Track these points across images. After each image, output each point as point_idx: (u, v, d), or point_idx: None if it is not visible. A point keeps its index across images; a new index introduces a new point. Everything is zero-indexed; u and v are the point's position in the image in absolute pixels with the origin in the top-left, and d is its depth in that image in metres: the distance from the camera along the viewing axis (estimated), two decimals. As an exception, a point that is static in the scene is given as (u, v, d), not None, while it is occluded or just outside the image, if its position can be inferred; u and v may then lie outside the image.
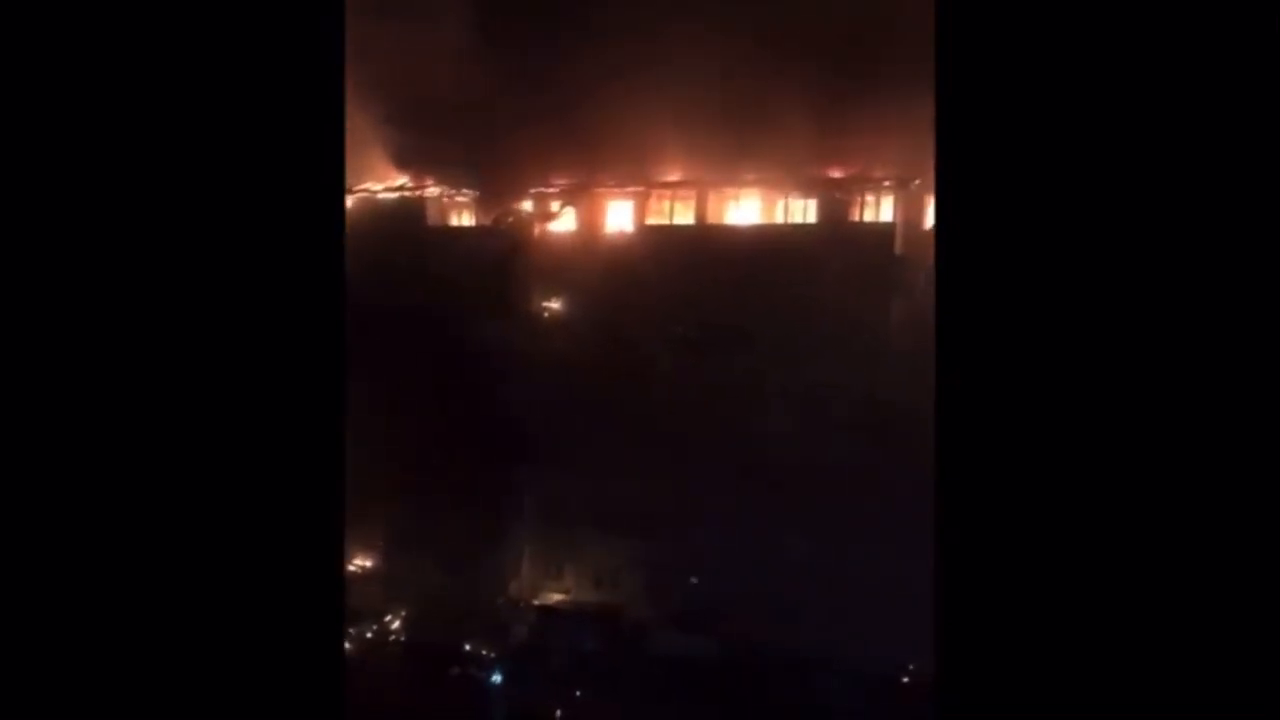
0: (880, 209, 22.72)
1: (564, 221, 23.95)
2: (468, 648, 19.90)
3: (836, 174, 22.58)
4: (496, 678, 18.69)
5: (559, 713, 18.11)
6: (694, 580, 20.27)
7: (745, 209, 23.37)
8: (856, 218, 22.69)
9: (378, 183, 24.49)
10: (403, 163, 24.21)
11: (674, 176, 23.31)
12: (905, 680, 17.08)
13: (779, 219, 23.17)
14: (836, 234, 22.09)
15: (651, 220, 23.93)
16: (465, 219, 24.89)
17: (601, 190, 23.96)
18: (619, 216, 24.20)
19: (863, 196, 22.64)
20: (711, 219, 23.64)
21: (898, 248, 22.35)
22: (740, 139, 22.49)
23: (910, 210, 22.48)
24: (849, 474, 19.55)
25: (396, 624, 21.36)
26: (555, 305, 22.61)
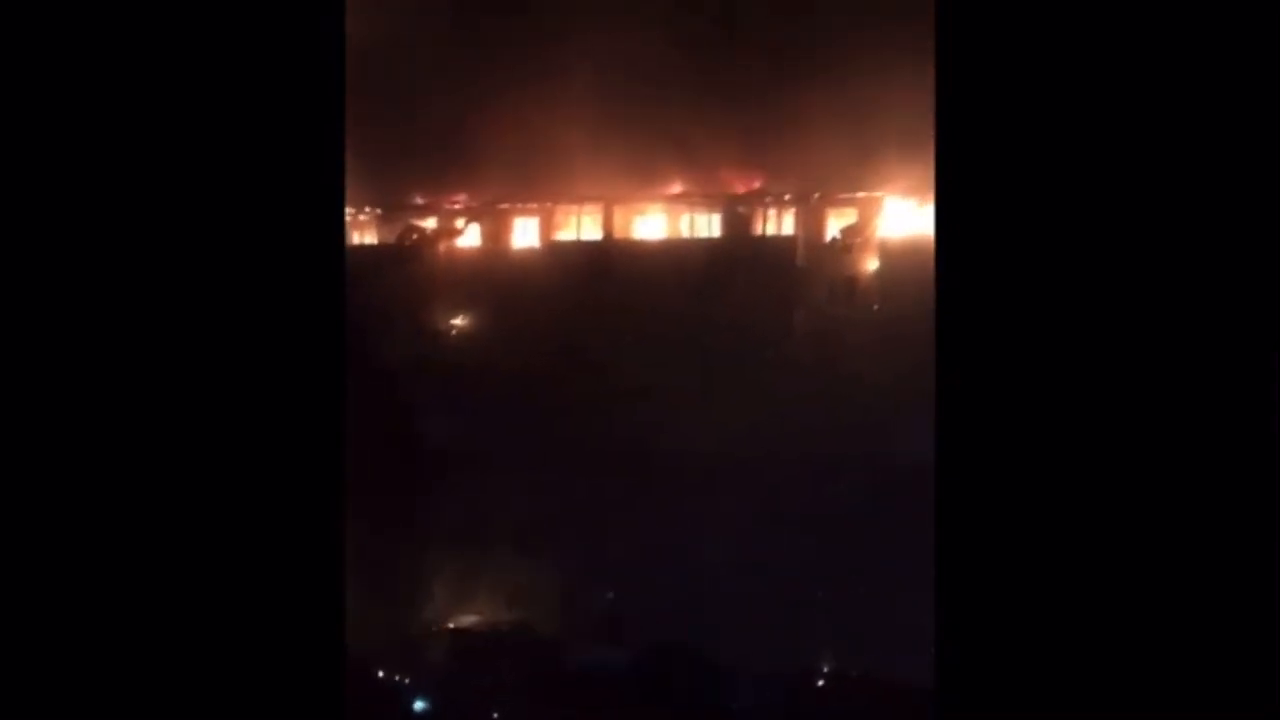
0: (781, 222, 22.61)
1: (469, 238, 23.62)
2: (380, 674, 19.53)
3: (740, 189, 22.44)
4: (419, 704, 18.34)
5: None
6: (609, 595, 20.27)
7: (652, 224, 23.08)
8: (759, 231, 22.59)
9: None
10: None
11: (581, 191, 23.21)
12: (820, 683, 17.37)
13: (684, 233, 22.88)
14: (740, 247, 22.16)
15: (559, 236, 23.81)
16: (368, 238, 24.54)
17: (506, 206, 23.72)
18: (525, 233, 23.78)
19: (765, 211, 22.56)
20: (619, 234, 23.66)
21: (799, 259, 22.35)
22: (646, 153, 22.71)
23: (810, 224, 22.50)
24: (753, 476, 19.92)
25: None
26: (462, 323, 22.34)
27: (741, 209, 22.43)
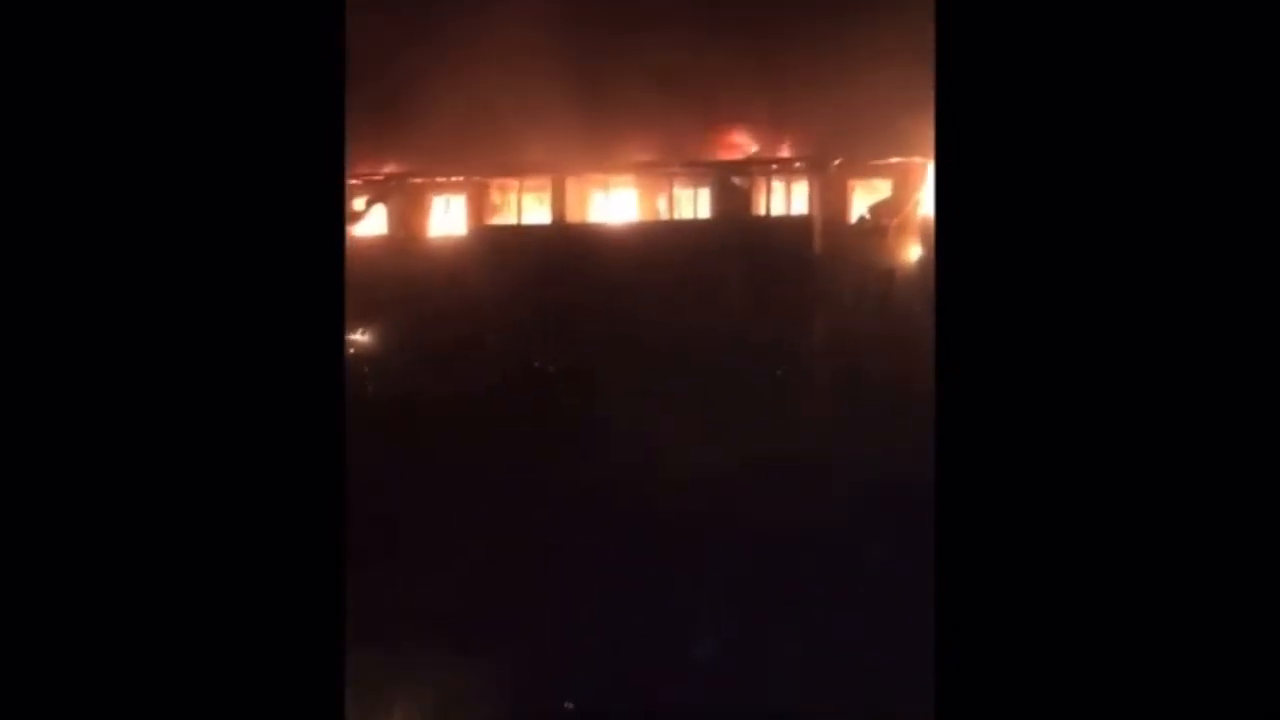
0: (791, 198, 18.70)
1: (372, 223, 18.55)
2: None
3: (734, 155, 18.66)
4: None
5: None
6: (568, 706, 15.41)
7: (617, 202, 19.12)
8: (762, 210, 18.73)
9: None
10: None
11: (522, 162, 18.46)
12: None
13: (662, 214, 18.96)
14: (737, 232, 18.19)
15: (493, 220, 19.34)
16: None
17: (422, 181, 17.72)
18: (448, 216, 18.99)
19: (769, 183, 18.69)
20: (573, 217, 19.20)
21: (815, 246, 18.40)
22: (607, 113, 18.16)
23: (830, 198, 18.50)
24: (760, 539, 15.51)
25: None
26: (363, 338, 16.25)
27: (738, 180, 18.68)
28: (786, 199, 18.72)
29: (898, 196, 18.56)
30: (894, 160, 18.44)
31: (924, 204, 18.58)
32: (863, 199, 18.37)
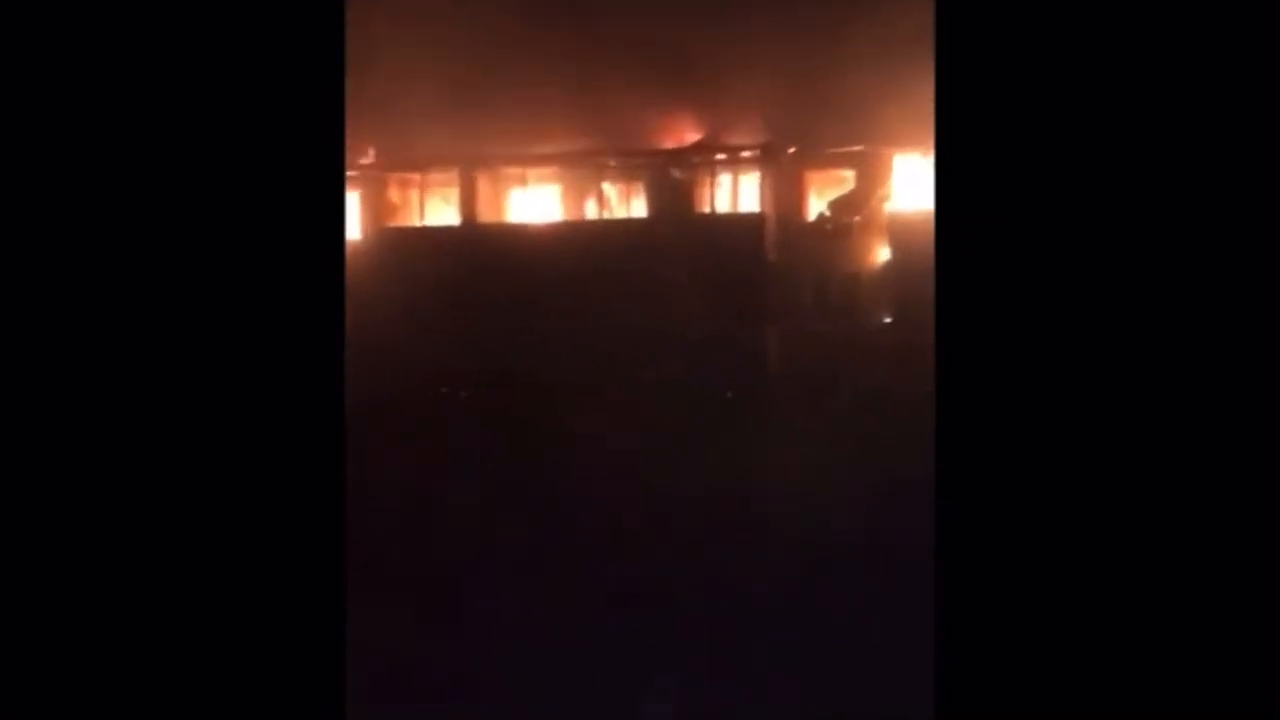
0: (740, 193, 16.84)
1: None
2: None
3: (672, 143, 16.82)
4: None
5: None
6: None
7: (538, 199, 16.92)
8: (706, 207, 16.83)
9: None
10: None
11: (423, 153, 16.42)
12: None
13: (591, 213, 16.94)
14: (678, 231, 16.05)
15: (392, 223, 17.09)
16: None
17: None
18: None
19: (714, 176, 16.77)
20: (487, 216, 16.95)
21: (769, 250, 16.36)
22: (523, 95, 16.02)
23: (784, 193, 16.65)
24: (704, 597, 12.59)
25: None
26: None
27: (678, 173, 16.75)
28: (734, 194, 16.94)
29: (861, 190, 16.66)
30: (856, 149, 16.58)
31: (890, 198, 16.73)
32: (821, 194, 16.91)
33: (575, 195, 17.00)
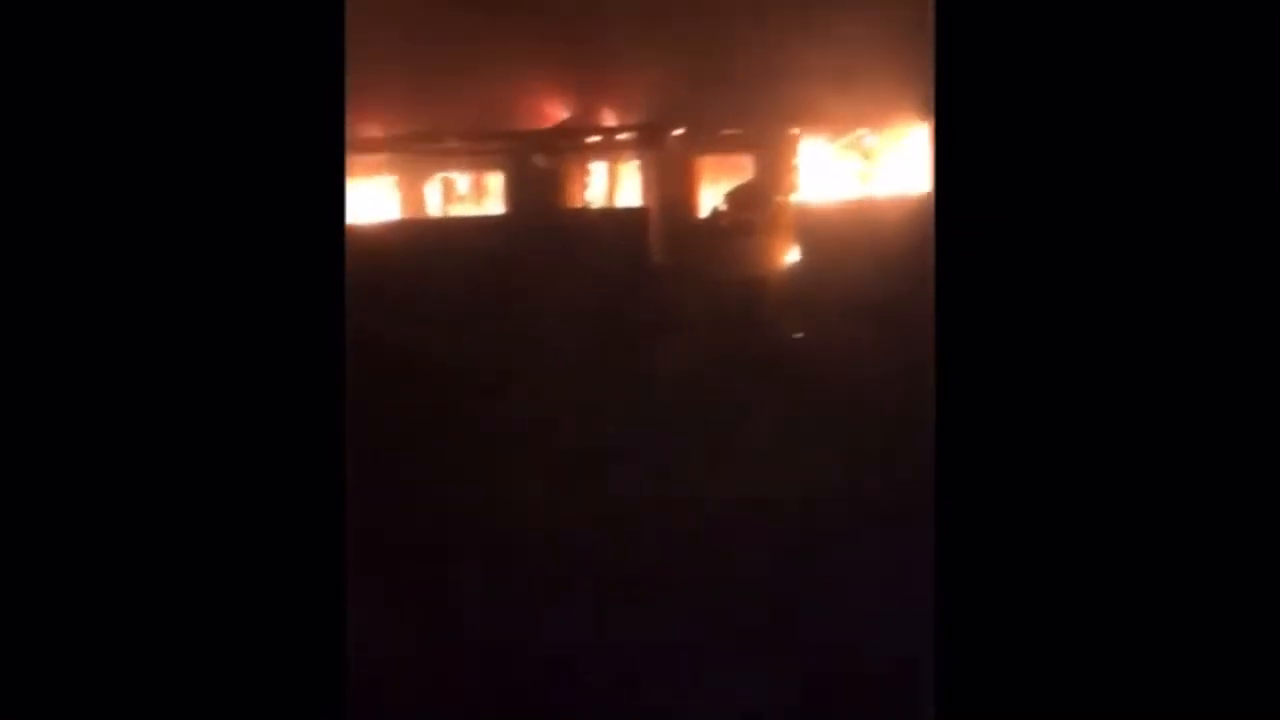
0: (618, 184, 15.36)
1: None
2: None
3: (537, 125, 15.05)
4: None
5: None
6: None
7: (363, 194, 14.86)
8: (577, 201, 15.29)
9: None
10: None
11: None
12: None
13: (431, 209, 15.24)
14: (542, 231, 14.33)
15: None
16: None
17: None
18: None
19: (586, 163, 15.28)
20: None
21: (654, 250, 14.61)
22: (350, 67, 12.26)
23: (671, 184, 15.05)
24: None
25: None
26: None
27: (541, 161, 15.07)
28: (611, 185, 15.46)
29: (764, 180, 15.19)
30: (756, 130, 15.19)
31: (797, 189, 15.30)
32: (716, 184, 15.32)
33: (413, 187, 15.23)
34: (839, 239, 14.50)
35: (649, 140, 15.07)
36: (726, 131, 15.05)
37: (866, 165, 15.45)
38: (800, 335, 14.73)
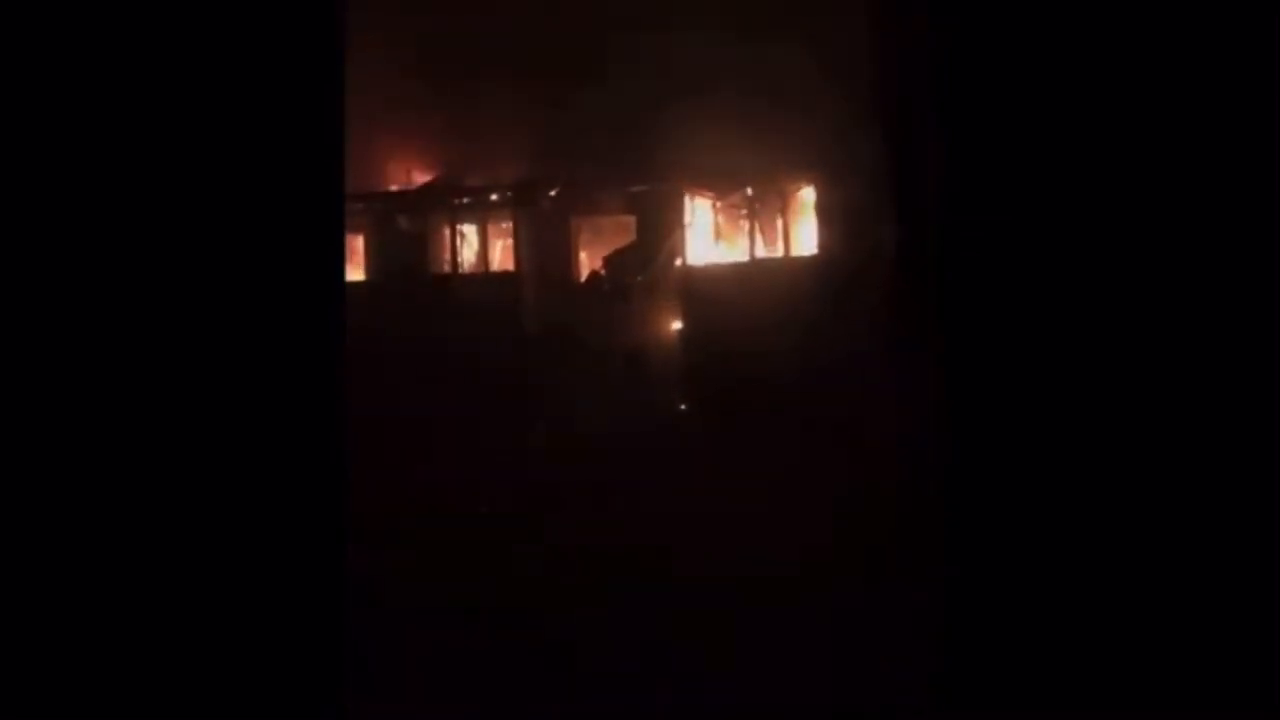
0: (491, 246, 14.95)
1: None
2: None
3: (400, 185, 14.71)
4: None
5: None
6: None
7: None
8: (445, 264, 14.77)
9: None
10: None
11: None
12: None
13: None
14: (406, 296, 13.98)
15: None
16: None
17: None
18: None
19: (455, 225, 14.61)
20: None
21: (526, 319, 14.34)
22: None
23: (549, 242, 14.59)
24: None
25: None
26: None
27: (403, 220, 14.53)
28: (483, 248, 14.96)
29: (646, 240, 14.56)
30: (638, 189, 14.53)
31: (681, 252, 14.77)
32: (596, 246, 14.79)
33: None
34: (725, 301, 14.03)
35: (523, 199, 14.33)
36: (605, 192, 14.41)
37: (752, 225, 14.85)
38: (685, 408, 14.30)
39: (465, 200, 14.58)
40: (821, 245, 14.33)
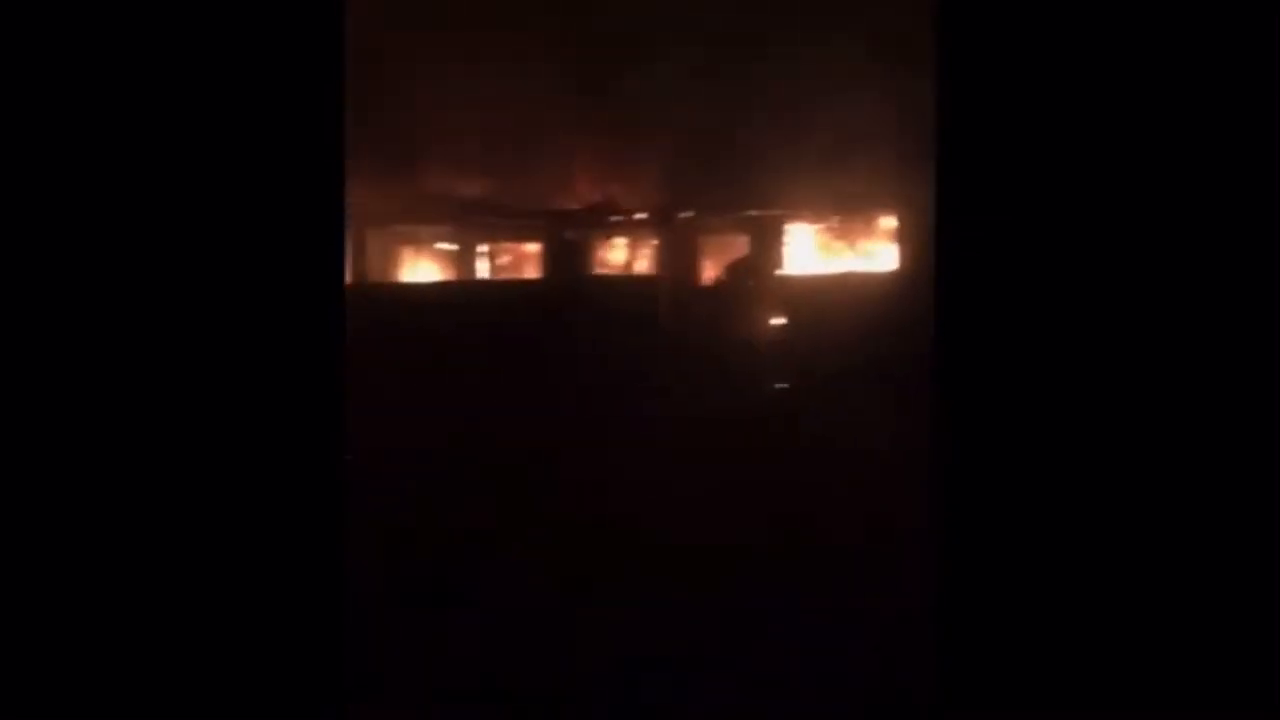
0: (636, 255, 17.04)
1: None
2: None
3: (567, 204, 16.62)
4: None
5: None
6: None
7: (428, 260, 17.11)
8: (601, 269, 16.90)
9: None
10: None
11: None
12: None
13: (482, 273, 16.99)
14: (569, 293, 15.80)
15: None
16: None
17: None
18: None
19: (608, 238, 16.95)
20: (374, 275, 16.65)
21: (662, 312, 16.00)
22: (415, 154, 15.87)
23: (680, 254, 16.62)
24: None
25: None
26: None
27: (570, 235, 16.72)
28: (629, 257, 17.04)
29: (755, 254, 16.66)
30: (751, 214, 16.66)
31: (781, 264, 16.85)
32: (717, 257, 16.84)
33: (465, 255, 16.92)
34: (819, 305, 15.85)
35: (661, 220, 16.38)
36: (727, 215, 16.43)
37: (843, 245, 16.96)
38: (784, 386, 15.55)
39: (618, 219, 16.58)
40: (897, 261, 16.38)
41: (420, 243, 16.74)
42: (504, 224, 16.46)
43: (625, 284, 16.49)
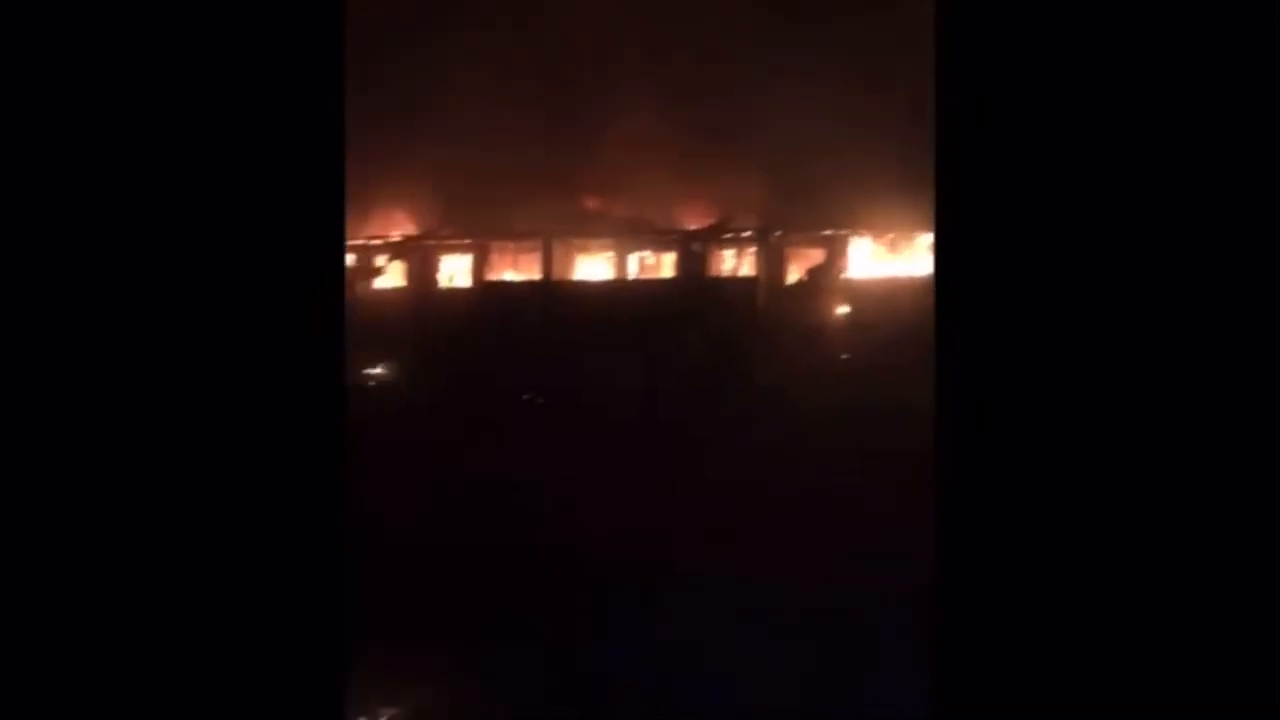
0: (741, 262, 20.75)
1: (389, 278, 20.91)
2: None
3: (693, 224, 20.43)
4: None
5: None
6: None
7: (596, 263, 20.91)
8: (716, 272, 20.59)
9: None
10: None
11: (518, 226, 20.85)
12: None
13: (630, 274, 20.83)
14: (693, 290, 19.95)
15: (492, 276, 21.48)
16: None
17: (434, 243, 20.95)
18: (454, 272, 21.10)
19: (722, 249, 20.67)
20: (559, 274, 21.29)
21: (759, 304, 20.31)
22: (586, 185, 20.65)
23: (772, 264, 20.68)
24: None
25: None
26: (382, 372, 19.18)
27: (696, 247, 20.48)
28: (737, 263, 20.48)
29: (828, 262, 20.49)
30: (826, 233, 20.65)
31: (846, 270, 21.30)
32: (799, 265, 20.45)
33: (622, 260, 20.69)
34: (878, 300, 19.35)
35: (760, 237, 20.10)
36: (807, 233, 20.10)
37: (893, 254, 20.19)
38: (846, 357, 20.23)
39: (729, 235, 20.13)
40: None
41: (589, 250, 20.82)
42: (647, 238, 20.22)
43: (733, 284, 20.16)
